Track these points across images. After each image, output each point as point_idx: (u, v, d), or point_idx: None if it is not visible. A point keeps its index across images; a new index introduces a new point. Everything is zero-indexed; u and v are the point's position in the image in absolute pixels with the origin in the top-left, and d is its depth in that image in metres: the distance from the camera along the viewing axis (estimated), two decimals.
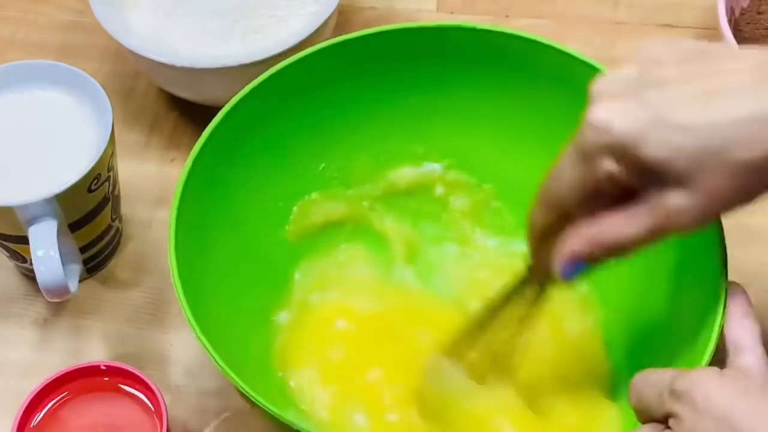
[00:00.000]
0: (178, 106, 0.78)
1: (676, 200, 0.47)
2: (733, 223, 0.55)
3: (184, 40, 0.74)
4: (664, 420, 0.48)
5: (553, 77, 0.63)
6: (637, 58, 0.49)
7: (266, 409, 0.51)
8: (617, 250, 0.50)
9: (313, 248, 0.68)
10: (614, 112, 0.47)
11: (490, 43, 0.63)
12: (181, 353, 0.67)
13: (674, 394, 0.47)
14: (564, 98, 0.61)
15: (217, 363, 0.53)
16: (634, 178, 0.47)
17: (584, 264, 0.51)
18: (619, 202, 0.49)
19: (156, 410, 0.61)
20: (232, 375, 0.52)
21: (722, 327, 0.52)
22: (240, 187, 0.64)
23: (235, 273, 0.63)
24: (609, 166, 0.48)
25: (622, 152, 0.47)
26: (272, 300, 0.66)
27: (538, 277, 0.56)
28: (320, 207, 0.68)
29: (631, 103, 0.47)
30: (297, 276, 0.67)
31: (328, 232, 0.68)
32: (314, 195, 0.68)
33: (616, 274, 0.59)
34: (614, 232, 0.49)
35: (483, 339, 0.60)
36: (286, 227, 0.67)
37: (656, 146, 0.46)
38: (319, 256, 0.68)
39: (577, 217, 0.50)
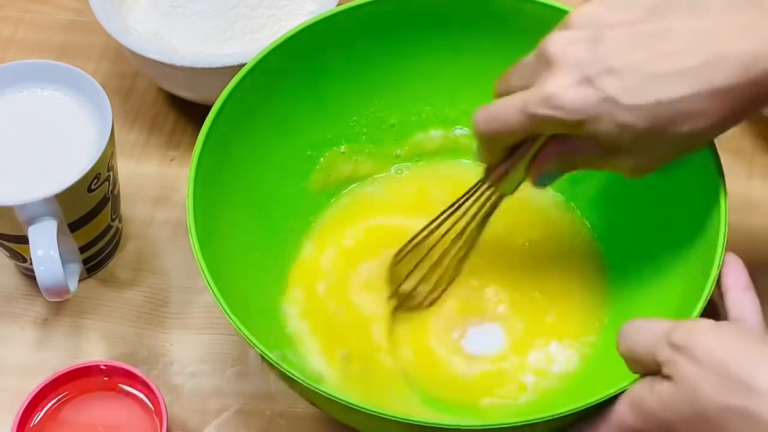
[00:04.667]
0: (177, 106, 0.78)
1: (622, 161, 0.53)
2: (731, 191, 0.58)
3: (184, 40, 0.74)
4: (659, 370, 0.48)
5: None
6: (592, 11, 0.52)
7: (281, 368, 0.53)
8: (576, 167, 0.55)
9: (332, 199, 0.69)
10: (568, 89, 0.51)
11: (528, 11, 0.64)
12: (181, 353, 0.67)
13: (672, 344, 0.47)
14: None
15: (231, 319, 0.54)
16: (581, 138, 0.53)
17: (553, 175, 0.56)
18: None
19: (156, 410, 0.61)
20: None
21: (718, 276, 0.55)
22: (269, 132, 0.65)
23: (252, 221, 0.65)
24: (554, 130, 0.53)
25: (572, 127, 0.51)
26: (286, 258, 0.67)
27: (493, 180, 0.59)
28: (347, 160, 0.69)
29: (584, 81, 0.50)
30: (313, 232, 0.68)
31: (350, 186, 0.70)
32: (343, 147, 0.69)
33: (615, 203, 0.64)
34: (578, 160, 0.54)
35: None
36: (312, 175, 0.68)
37: (606, 126, 0.51)
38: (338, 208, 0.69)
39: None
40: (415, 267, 0.63)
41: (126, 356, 0.67)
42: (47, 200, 0.61)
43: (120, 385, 0.62)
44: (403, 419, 0.52)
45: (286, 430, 0.64)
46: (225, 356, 0.67)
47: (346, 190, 0.69)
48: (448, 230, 0.62)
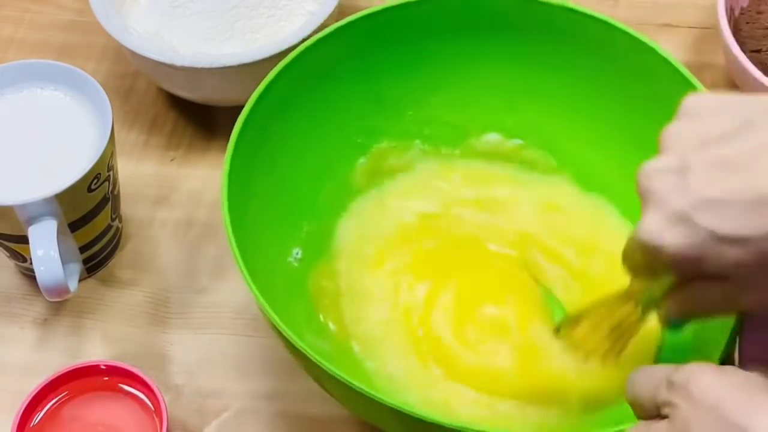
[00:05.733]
0: (177, 106, 0.78)
1: (744, 297, 0.48)
2: None
3: (184, 40, 0.74)
4: (657, 413, 0.48)
5: (640, 80, 0.64)
6: (678, 130, 0.48)
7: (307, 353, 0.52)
8: (707, 315, 0.51)
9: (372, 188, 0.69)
10: (663, 231, 0.46)
11: (590, 30, 0.65)
12: (181, 353, 0.67)
13: (671, 384, 0.47)
14: (651, 104, 0.63)
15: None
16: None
17: (683, 321, 0.52)
18: None
19: (156, 410, 0.61)
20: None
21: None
22: (317, 118, 0.66)
23: (289, 207, 0.65)
24: (670, 273, 0.49)
25: (678, 266, 0.47)
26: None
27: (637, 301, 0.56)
28: (397, 154, 0.69)
29: (678, 218, 0.46)
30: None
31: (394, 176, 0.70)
32: (394, 141, 0.69)
33: None
34: (699, 303, 0.50)
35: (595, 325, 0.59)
36: (360, 162, 0.69)
37: (714, 263, 0.46)
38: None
39: None
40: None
41: (126, 356, 0.67)
42: (47, 200, 0.61)
43: (120, 385, 0.62)
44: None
45: (285, 430, 0.64)
46: (225, 356, 0.67)
47: (391, 180, 0.69)
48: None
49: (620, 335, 0.57)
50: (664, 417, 0.47)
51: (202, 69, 0.70)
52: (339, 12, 0.74)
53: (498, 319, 0.64)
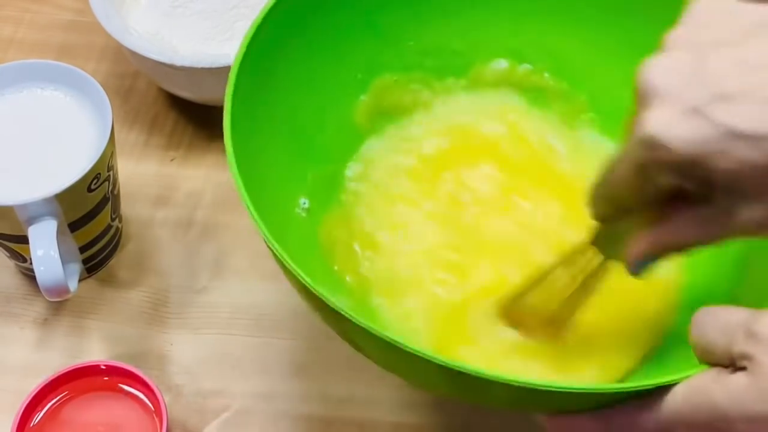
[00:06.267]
0: (177, 106, 0.78)
1: (748, 213, 0.44)
2: None
3: (184, 40, 0.74)
4: (730, 362, 0.44)
5: None
6: (688, 32, 0.44)
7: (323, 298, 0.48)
8: (683, 250, 0.48)
9: (379, 130, 0.66)
10: (672, 125, 0.43)
11: None
12: (181, 353, 0.67)
13: (751, 335, 0.42)
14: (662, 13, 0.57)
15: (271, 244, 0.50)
16: (698, 189, 0.45)
17: (651, 261, 0.49)
18: (681, 197, 0.46)
19: (156, 410, 0.61)
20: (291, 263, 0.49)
21: None
22: (314, 51, 0.62)
23: (293, 147, 0.62)
24: (670, 179, 0.44)
25: (684, 169, 0.43)
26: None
27: (600, 249, 0.54)
28: (401, 88, 0.66)
29: (690, 112, 0.42)
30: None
31: (400, 116, 0.66)
32: (396, 75, 0.66)
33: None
34: (680, 236, 0.47)
35: (538, 297, 0.58)
36: (361, 99, 0.65)
37: (723, 162, 0.42)
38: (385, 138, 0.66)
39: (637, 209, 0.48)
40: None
41: (126, 356, 0.67)
42: (47, 200, 0.61)
43: (120, 385, 0.62)
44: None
45: (285, 430, 0.64)
46: (225, 356, 0.67)
47: (395, 124, 0.66)
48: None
49: (577, 296, 0.56)
50: (739, 368, 0.43)
51: (202, 69, 0.70)
52: None
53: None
